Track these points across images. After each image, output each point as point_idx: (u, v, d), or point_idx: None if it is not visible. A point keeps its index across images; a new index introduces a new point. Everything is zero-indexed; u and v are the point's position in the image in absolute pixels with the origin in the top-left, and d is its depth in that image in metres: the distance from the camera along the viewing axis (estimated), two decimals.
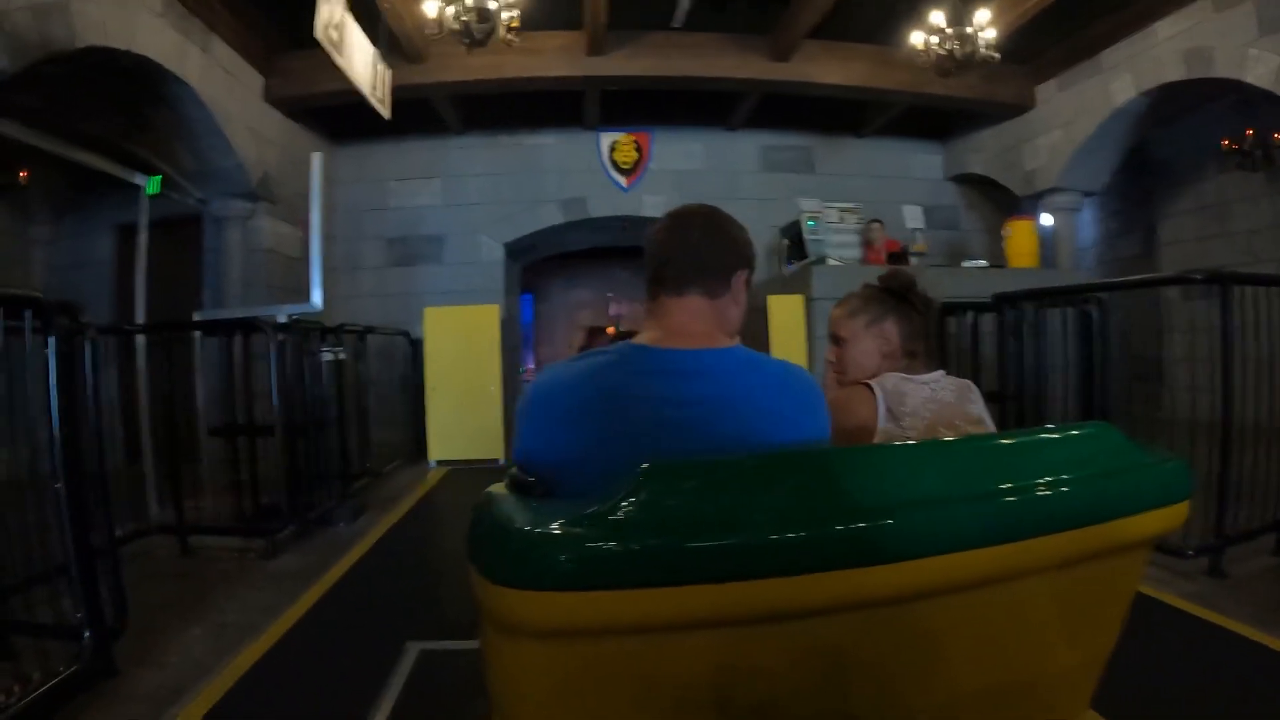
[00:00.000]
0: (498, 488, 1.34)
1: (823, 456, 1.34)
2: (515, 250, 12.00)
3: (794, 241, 10.04)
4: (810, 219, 9.74)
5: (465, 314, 9.86)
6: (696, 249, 1.63)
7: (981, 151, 11.25)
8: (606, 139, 11.40)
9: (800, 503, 1.14)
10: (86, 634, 3.11)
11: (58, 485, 3.04)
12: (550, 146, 11.42)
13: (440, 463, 9.46)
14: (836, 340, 2.30)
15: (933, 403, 2.08)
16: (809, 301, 8.31)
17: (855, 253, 9.80)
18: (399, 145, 11.02)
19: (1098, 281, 5.73)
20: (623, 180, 11.40)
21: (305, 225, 6.99)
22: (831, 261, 9.12)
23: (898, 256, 9.38)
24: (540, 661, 1.13)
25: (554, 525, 1.09)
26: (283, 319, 5.97)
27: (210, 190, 8.64)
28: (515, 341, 13.64)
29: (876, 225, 9.75)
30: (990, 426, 2.13)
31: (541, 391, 1.56)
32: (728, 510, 1.10)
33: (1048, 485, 1.23)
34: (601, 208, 11.46)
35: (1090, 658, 1.43)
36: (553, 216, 11.42)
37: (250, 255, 9.02)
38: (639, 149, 11.42)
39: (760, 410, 1.51)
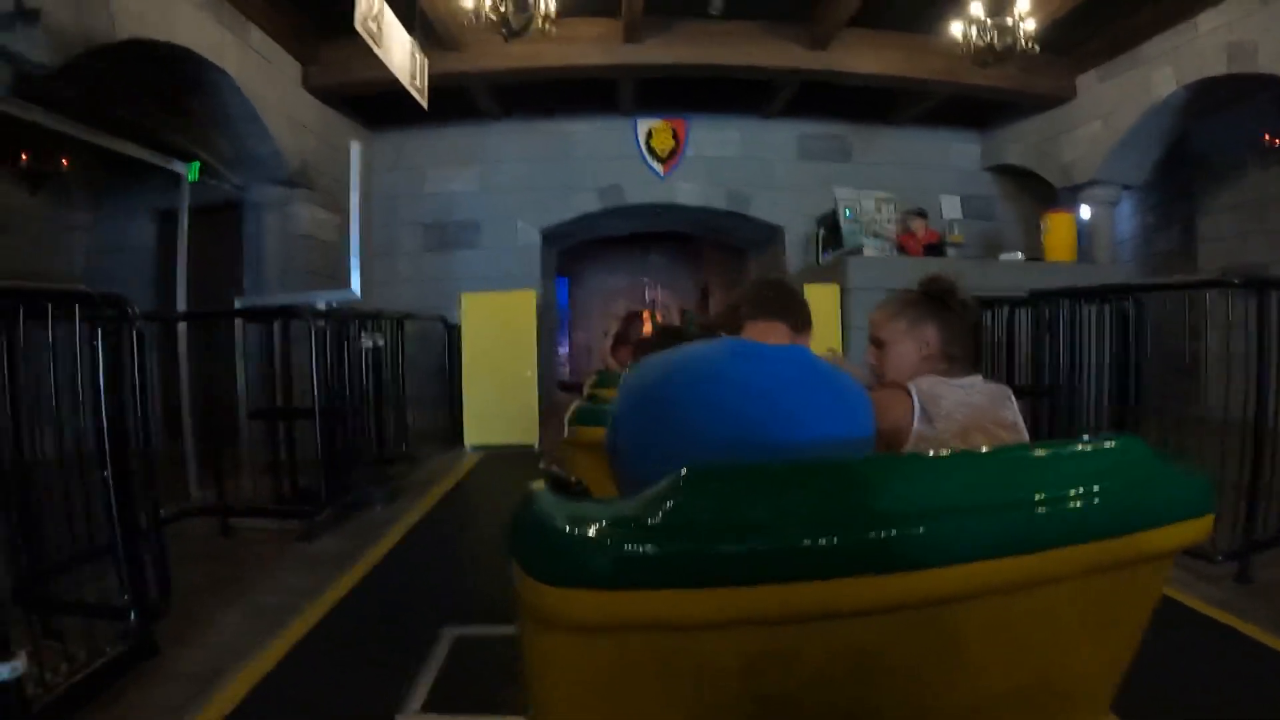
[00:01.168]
0: (538, 485, 1.35)
1: (855, 465, 1.36)
2: (551, 236, 12.05)
3: (830, 230, 10.01)
4: (847, 208, 9.71)
5: (502, 300, 9.91)
6: (783, 297, 2.09)
7: (1019, 142, 11.14)
8: (643, 126, 11.41)
9: (832, 509, 1.16)
10: (132, 615, 3.19)
11: (105, 473, 3.12)
12: (587, 133, 11.44)
13: (476, 448, 9.53)
14: (877, 342, 2.34)
15: (966, 406, 2.10)
16: (844, 292, 8.31)
17: (892, 241, 9.74)
18: (436, 132, 11.06)
19: (1135, 283, 5.67)
20: (659, 167, 11.40)
21: (343, 212, 7.07)
22: (868, 252, 9.10)
23: (934, 248, 9.33)
24: (575, 654, 1.17)
25: (594, 526, 1.12)
26: (321, 306, 6.06)
27: (248, 177, 8.78)
28: (551, 326, 13.70)
29: (915, 216, 9.66)
30: (1022, 431, 2.14)
31: (642, 369, 1.82)
32: (762, 515, 1.13)
33: (1074, 498, 1.24)
34: (638, 195, 11.49)
35: (1111, 662, 1.45)
36: (589, 203, 11.47)
37: (288, 241, 9.15)
38: (675, 136, 11.41)
39: (810, 399, 1.69)
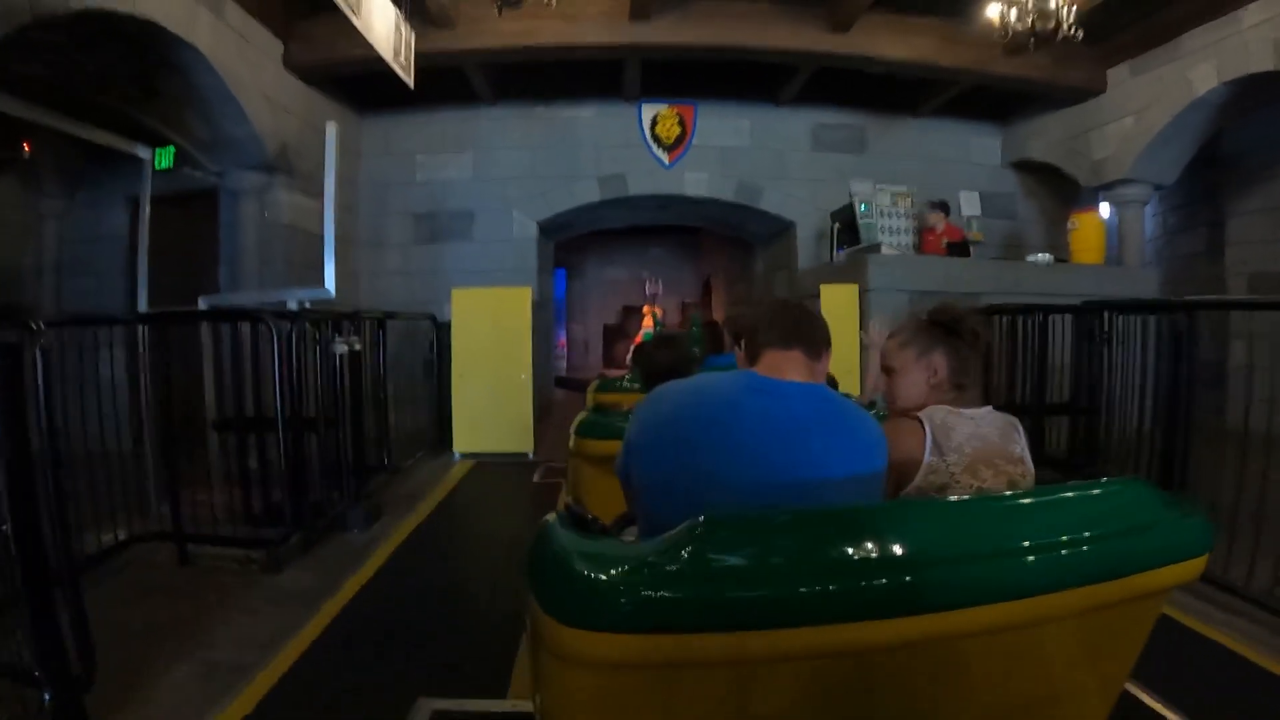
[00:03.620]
0: (554, 518, 1.42)
1: (866, 513, 1.44)
2: (549, 228, 11.49)
3: (845, 226, 9.52)
4: (863, 203, 9.24)
5: (496, 296, 9.31)
6: (798, 321, 2.06)
7: (1044, 137, 10.56)
8: (648, 111, 10.80)
9: (844, 557, 1.26)
10: (45, 695, 2.67)
11: (4, 527, 2.57)
12: (588, 119, 10.84)
13: (465, 455, 8.99)
14: (887, 370, 2.39)
15: (977, 438, 2.14)
16: (864, 293, 7.84)
17: (908, 238, 9.33)
18: (427, 116, 10.52)
19: (1198, 299, 5.18)
20: (665, 156, 10.80)
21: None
22: (886, 250, 8.60)
23: (958, 246, 8.84)
24: (591, 687, 1.24)
25: (614, 570, 1.20)
26: (293, 305, 5.53)
27: (225, 162, 8.20)
28: (548, 324, 13.18)
29: (935, 209, 9.16)
30: (1029, 465, 2.17)
31: (657, 400, 1.95)
32: (776, 563, 1.24)
33: (1075, 543, 1.34)
34: (642, 185, 10.88)
35: (1106, 686, 1.59)
36: (590, 193, 10.88)
37: (268, 230, 8.55)
38: (682, 123, 10.81)
39: (828, 438, 1.80)
